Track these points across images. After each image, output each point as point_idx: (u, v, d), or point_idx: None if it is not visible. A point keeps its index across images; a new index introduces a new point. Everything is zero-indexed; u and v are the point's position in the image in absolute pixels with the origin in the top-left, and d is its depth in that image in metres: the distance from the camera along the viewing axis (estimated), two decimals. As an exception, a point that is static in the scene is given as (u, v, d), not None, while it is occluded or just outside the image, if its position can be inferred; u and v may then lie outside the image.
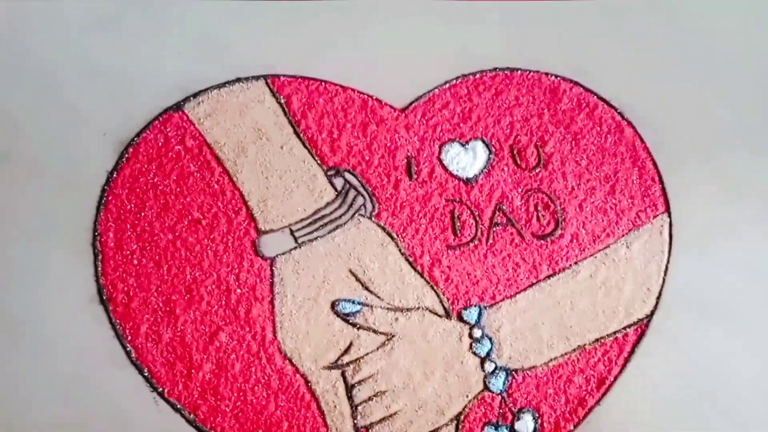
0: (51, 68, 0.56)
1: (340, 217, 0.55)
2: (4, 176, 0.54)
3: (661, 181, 0.58)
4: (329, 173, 0.56)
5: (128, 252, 0.52)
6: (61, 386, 0.50)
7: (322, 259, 0.54)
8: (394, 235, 0.55)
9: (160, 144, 0.55)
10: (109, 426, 0.49)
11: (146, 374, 0.50)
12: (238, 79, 0.58)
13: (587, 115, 0.59)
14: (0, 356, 0.50)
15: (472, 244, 0.55)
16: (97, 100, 0.56)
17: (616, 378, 0.53)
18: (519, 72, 0.61)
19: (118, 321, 0.51)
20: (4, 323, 0.51)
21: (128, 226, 0.53)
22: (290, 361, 0.52)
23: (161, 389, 0.50)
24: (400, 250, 0.55)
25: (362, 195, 0.56)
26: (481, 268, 0.55)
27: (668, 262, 0.55)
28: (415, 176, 0.57)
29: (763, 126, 0.60)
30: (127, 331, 0.51)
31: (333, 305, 0.53)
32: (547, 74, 0.61)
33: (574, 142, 0.58)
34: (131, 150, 0.55)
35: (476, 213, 0.56)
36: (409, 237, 0.55)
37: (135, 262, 0.52)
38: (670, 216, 0.57)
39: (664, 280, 0.55)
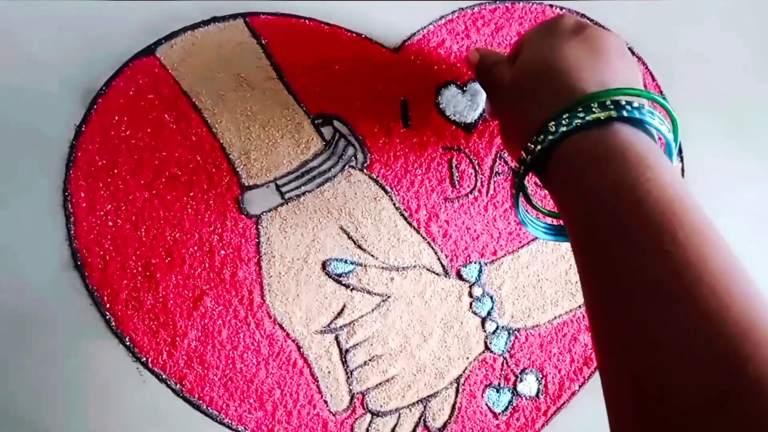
0: (4, 13, 0.51)
1: (330, 169, 0.51)
2: (-39, 134, 0.49)
3: (674, 123, 0.54)
4: (316, 121, 0.52)
5: (102, 213, 0.49)
6: (36, 359, 0.47)
7: (311, 216, 0.50)
8: (388, 188, 0.51)
9: (131, 93, 0.50)
10: (90, 400, 0.47)
11: (128, 344, 0.47)
12: (214, 19, 0.52)
13: (595, 51, 0.55)
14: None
15: (471, 196, 0.52)
16: (58, 46, 0.50)
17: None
18: (521, 4, 0.56)
19: (94, 288, 0.48)
20: (-28, 293, 0.47)
21: (101, 185, 0.49)
22: (280, 325, 0.49)
23: (144, 359, 0.48)
24: (394, 204, 0.51)
25: (353, 144, 0.52)
26: (482, 221, 0.52)
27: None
28: (409, 123, 0.52)
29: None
30: (105, 298, 0.48)
31: (324, 265, 0.50)
32: (551, 6, 0.56)
33: (581, 82, 0.54)
34: (100, 101, 0.50)
35: (476, 162, 0.52)
36: (403, 190, 0.51)
37: (110, 223, 0.49)
38: (682, 160, 0.54)
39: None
